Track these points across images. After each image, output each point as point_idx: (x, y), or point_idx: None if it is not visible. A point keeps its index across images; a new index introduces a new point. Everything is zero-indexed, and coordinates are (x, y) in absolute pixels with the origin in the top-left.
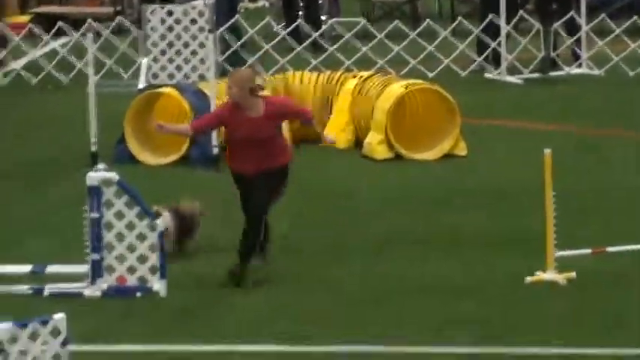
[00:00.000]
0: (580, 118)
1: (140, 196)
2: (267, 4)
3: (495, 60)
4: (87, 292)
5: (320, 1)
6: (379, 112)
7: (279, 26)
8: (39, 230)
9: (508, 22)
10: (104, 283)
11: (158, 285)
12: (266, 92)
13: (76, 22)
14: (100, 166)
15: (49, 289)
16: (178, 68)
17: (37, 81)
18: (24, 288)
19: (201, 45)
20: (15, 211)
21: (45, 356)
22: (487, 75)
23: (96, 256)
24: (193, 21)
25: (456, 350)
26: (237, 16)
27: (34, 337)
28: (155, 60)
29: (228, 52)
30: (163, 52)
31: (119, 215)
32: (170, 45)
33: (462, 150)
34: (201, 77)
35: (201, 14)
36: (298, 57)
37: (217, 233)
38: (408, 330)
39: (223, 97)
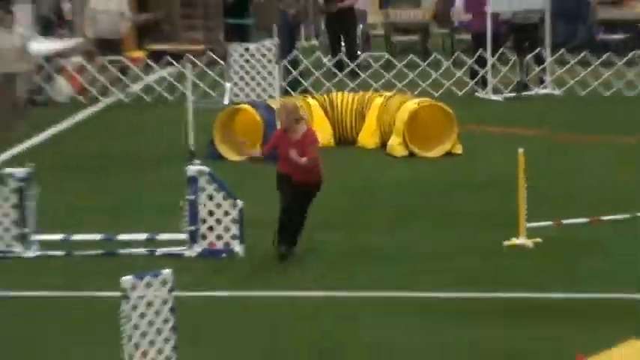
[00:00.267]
0: (547, 125)
1: (225, 183)
2: (317, 43)
3: (483, 83)
4: (187, 254)
5: (358, 41)
6: (399, 121)
7: (327, 59)
8: (152, 207)
9: (493, 56)
10: (199, 247)
11: (238, 248)
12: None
13: (179, 56)
14: (196, 161)
15: (159, 251)
16: (253, 90)
17: (151, 99)
18: (142, 250)
19: (270, 73)
20: (134, 193)
21: (156, 300)
22: (477, 94)
23: (193, 227)
24: (264, 55)
25: (451, 294)
26: (295, 51)
27: (148, 286)
28: (236, 84)
29: (289, 78)
30: (242, 78)
31: (210, 197)
32: (247, 73)
33: (458, 150)
34: (270, 97)
35: (269, 50)
36: (340, 82)
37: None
38: (421, 280)
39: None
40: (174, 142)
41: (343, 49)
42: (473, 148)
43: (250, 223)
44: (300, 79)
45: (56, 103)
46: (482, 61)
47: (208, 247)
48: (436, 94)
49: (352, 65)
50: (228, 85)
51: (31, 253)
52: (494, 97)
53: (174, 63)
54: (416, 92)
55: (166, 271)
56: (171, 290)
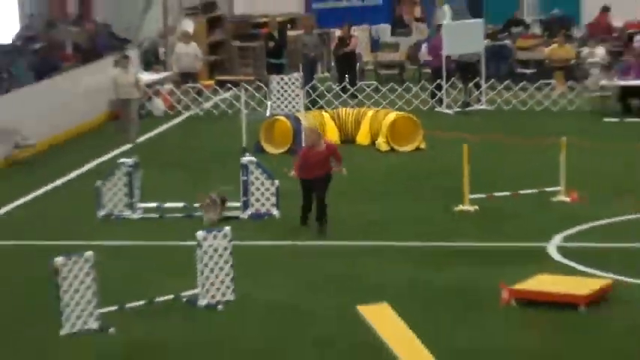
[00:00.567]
0: (483, 130)
1: (267, 169)
2: (329, 75)
3: (440, 102)
4: (241, 216)
5: (356, 74)
6: (383, 127)
7: (335, 86)
8: (218, 185)
9: (446, 83)
10: (249, 211)
11: (275, 212)
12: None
13: (236, 84)
14: (247, 154)
15: (223, 214)
16: (285, 107)
17: (217, 113)
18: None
19: (297, 95)
20: (206, 175)
21: (220, 247)
22: (436, 109)
23: (245, 198)
24: (293, 83)
25: (419, 243)
26: (314, 81)
27: (215, 238)
28: (274, 102)
29: (310, 98)
30: (278, 99)
31: (256, 178)
32: (281, 95)
33: (423, 146)
34: (297, 111)
35: (296, 80)
36: (344, 101)
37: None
38: (400, 234)
39: (309, 119)
40: (232, 141)
41: (347, 79)
42: (433, 146)
43: (283, 196)
44: (317, 99)
45: (154, 116)
46: (439, 87)
47: (255, 212)
48: (408, 109)
49: (352, 90)
50: (269, 103)
51: (136, 216)
52: (447, 111)
53: (233, 88)
54: (395, 108)
55: (227, 228)
56: (230, 240)
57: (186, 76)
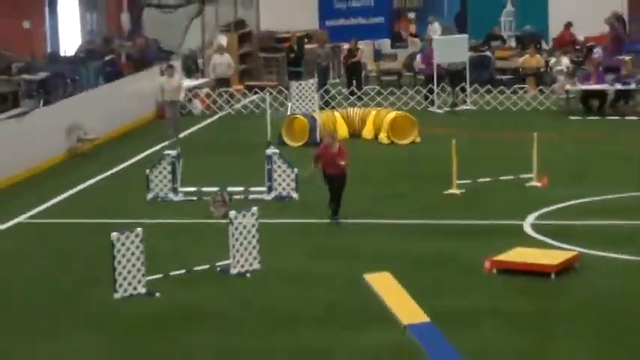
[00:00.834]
0: (468, 127)
1: (288, 159)
2: (339, 81)
3: (432, 103)
4: (265, 198)
5: (362, 80)
6: (385, 124)
7: (344, 90)
8: (247, 172)
9: (437, 87)
10: (273, 194)
11: (295, 195)
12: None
13: (262, 88)
14: (271, 147)
15: (250, 196)
16: (303, 107)
17: (246, 112)
18: (241, 196)
19: (312, 97)
20: (237, 164)
21: (248, 225)
22: (429, 109)
23: (269, 183)
24: (309, 88)
25: (415, 221)
26: (327, 85)
27: (244, 216)
28: (294, 103)
29: (323, 100)
30: (297, 100)
31: (279, 167)
32: (300, 97)
33: (418, 140)
34: (313, 111)
35: (312, 85)
36: (352, 102)
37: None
38: (390, 214)
39: (323, 117)
40: (259, 135)
41: (354, 84)
42: (426, 140)
43: (301, 181)
44: (330, 101)
45: (193, 115)
46: (431, 91)
47: (278, 195)
48: (405, 109)
49: (359, 93)
50: (289, 104)
51: (178, 198)
52: (438, 111)
53: (260, 92)
54: (394, 108)
55: (254, 208)
56: (257, 219)
57: (220, 82)
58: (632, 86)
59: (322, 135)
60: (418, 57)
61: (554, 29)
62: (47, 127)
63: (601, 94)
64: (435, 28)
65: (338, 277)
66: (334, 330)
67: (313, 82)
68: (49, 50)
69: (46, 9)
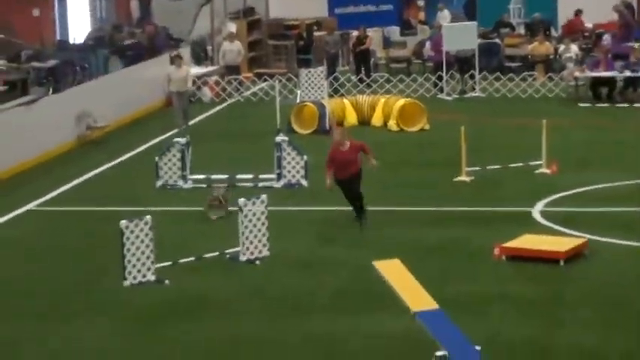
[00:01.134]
0: (477, 113)
1: (298, 146)
2: (348, 68)
3: (441, 90)
4: (275, 185)
5: (371, 67)
6: (394, 111)
7: (354, 77)
8: (256, 159)
9: (446, 75)
10: (282, 182)
11: (304, 182)
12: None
13: (271, 76)
14: (281, 134)
15: (260, 184)
16: (312, 94)
17: (256, 99)
18: (250, 184)
19: (321, 85)
20: (246, 151)
21: (258, 212)
22: (438, 96)
23: (278, 171)
24: (318, 75)
25: (418, 208)
26: (336, 73)
27: (253, 204)
28: (303, 90)
29: (332, 87)
30: (306, 88)
31: (288, 154)
32: (309, 85)
33: (427, 127)
34: (322, 98)
35: (321, 72)
36: (361, 90)
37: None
38: (399, 201)
39: (332, 105)
40: (268, 123)
41: (363, 71)
42: (435, 127)
43: (311, 168)
44: (339, 88)
45: (203, 102)
46: (440, 78)
47: (287, 182)
48: (414, 96)
49: (367, 80)
50: (299, 91)
51: (187, 186)
52: (447, 98)
53: (269, 79)
54: (404, 95)
55: (263, 196)
56: (266, 206)
57: (230, 69)
58: None
59: (331, 122)
60: (427, 44)
61: (563, 16)
62: (56, 115)
63: (610, 82)
64: (444, 16)
65: (347, 264)
66: (344, 316)
67: (322, 69)
68: (58, 38)
69: None
